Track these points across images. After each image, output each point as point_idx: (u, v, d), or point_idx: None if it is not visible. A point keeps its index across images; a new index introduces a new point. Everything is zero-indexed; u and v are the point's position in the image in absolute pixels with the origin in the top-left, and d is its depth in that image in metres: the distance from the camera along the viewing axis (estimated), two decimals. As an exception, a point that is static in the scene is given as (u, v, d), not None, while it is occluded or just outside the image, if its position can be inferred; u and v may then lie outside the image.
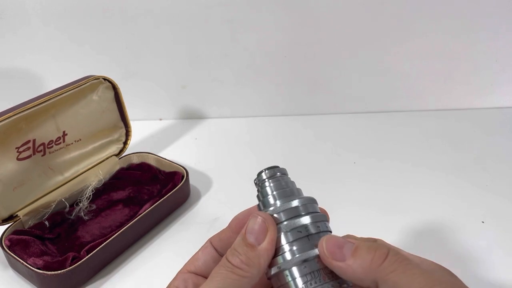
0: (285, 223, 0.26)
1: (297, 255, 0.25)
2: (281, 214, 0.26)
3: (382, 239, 0.27)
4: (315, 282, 0.24)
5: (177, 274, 0.30)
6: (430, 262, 0.26)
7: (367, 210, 0.53)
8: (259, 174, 0.29)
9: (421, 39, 0.68)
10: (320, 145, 0.67)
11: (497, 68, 0.70)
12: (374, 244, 0.24)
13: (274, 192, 0.28)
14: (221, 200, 0.56)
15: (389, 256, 0.23)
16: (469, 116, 0.72)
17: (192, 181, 0.57)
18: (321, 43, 0.69)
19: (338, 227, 0.30)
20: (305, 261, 0.25)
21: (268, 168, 0.29)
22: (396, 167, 0.61)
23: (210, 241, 0.30)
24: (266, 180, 0.29)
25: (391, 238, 0.48)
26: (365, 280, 0.23)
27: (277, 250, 0.26)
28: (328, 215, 0.30)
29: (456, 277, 0.24)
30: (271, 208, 0.27)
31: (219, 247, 0.30)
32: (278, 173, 0.29)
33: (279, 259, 0.25)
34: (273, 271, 0.26)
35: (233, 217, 0.30)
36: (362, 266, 0.23)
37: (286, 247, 0.25)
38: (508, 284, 0.42)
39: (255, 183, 0.30)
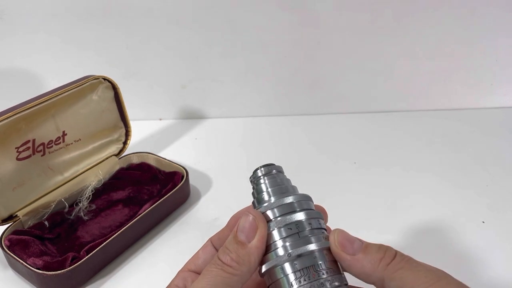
0: (278, 219, 0.26)
1: (290, 251, 0.25)
2: (275, 210, 0.27)
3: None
4: (305, 280, 0.24)
5: (178, 273, 0.30)
6: (427, 264, 0.26)
7: (367, 210, 0.53)
8: (255, 171, 0.30)
9: (421, 39, 0.68)
10: (320, 145, 0.67)
11: (497, 68, 0.70)
12: (383, 245, 0.25)
13: (269, 189, 0.28)
14: (221, 200, 0.56)
15: (397, 256, 0.24)
16: (469, 116, 0.72)
17: (192, 181, 0.57)
18: (321, 43, 0.69)
19: (338, 227, 0.30)
20: (298, 257, 0.25)
21: (264, 166, 0.29)
22: (396, 167, 0.61)
23: (211, 240, 0.31)
24: (262, 177, 0.29)
25: (391, 238, 0.48)
26: (372, 277, 0.24)
27: (270, 246, 0.26)
28: (326, 212, 0.30)
29: (452, 277, 0.25)
30: (265, 205, 0.27)
31: (218, 246, 0.30)
32: (274, 171, 0.29)
33: (272, 255, 0.25)
34: (265, 267, 0.26)
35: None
36: (372, 262, 0.24)
37: (278, 243, 0.26)
38: (508, 284, 0.42)
39: (251, 181, 0.30)
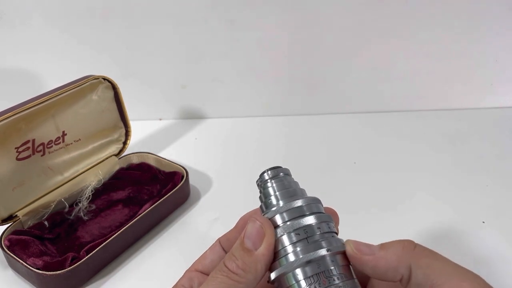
0: (287, 224, 0.25)
1: (300, 257, 0.24)
2: (284, 214, 0.26)
3: None
4: (315, 287, 0.24)
5: (185, 273, 0.29)
6: None
7: (367, 210, 0.53)
8: (262, 174, 0.29)
9: (421, 39, 0.68)
10: (320, 145, 0.67)
11: (497, 68, 0.70)
12: (399, 239, 0.25)
13: (277, 193, 0.27)
14: (221, 200, 0.56)
15: (418, 245, 0.24)
16: (469, 116, 0.72)
17: (192, 181, 0.57)
18: (321, 43, 0.69)
19: (338, 227, 0.30)
20: (308, 263, 0.24)
21: (271, 169, 0.28)
22: (396, 167, 0.61)
23: (219, 240, 0.30)
24: (269, 180, 0.28)
25: (391, 238, 0.48)
26: (399, 268, 0.24)
27: (279, 252, 0.25)
28: (337, 215, 0.29)
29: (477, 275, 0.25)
30: (273, 209, 0.26)
31: (226, 247, 0.30)
32: (281, 174, 0.28)
33: (282, 261, 0.25)
34: (275, 274, 0.25)
35: (232, 217, 0.30)
36: (396, 254, 0.24)
37: (288, 249, 0.25)
38: (508, 284, 0.42)
39: (258, 184, 0.29)
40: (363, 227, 0.49)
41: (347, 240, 0.26)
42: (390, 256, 0.24)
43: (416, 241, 0.25)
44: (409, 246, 0.24)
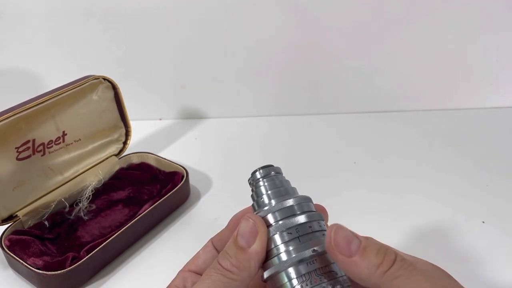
0: (279, 223, 0.26)
1: (292, 256, 0.25)
2: (276, 214, 0.26)
3: (372, 237, 0.27)
4: (307, 285, 0.24)
5: (178, 273, 0.30)
6: (425, 262, 0.26)
7: (366, 210, 0.53)
8: (253, 173, 0.29)
9: (421, 39, 0.68)
10: (320, 145, 0.67)
11: (497, 68, 0.70)
12: (382, 246, 0.24)
13: (269, 192, 0.28)
14: (221, 200, 0.56)
15: (396, 262, 0.23)
16: (469, 116, 0.72)
17: (192, 181, 0.57)
18: (321, 43, 0.69)
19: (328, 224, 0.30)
20: (300, 262, 0.25)
21: (262, 167, 0.29)
22: (396, 167, 0.61)
23: (212, 240, 0.31)
24: (260, 179, 0.28)
25: (391, 238, 0.48)
26: (368, 282, 0.23)
27: (271, 251, 0.26)
28: (326, 211, 0.30)
29: (452, 278, 0.25)
30: (265, 208, 0.27)
31: (218, 247, 0.30)
32: (273, 172, 0.29)
33: (275, 260, 0.25)
34: (268, 273, 0.25)
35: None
36: (369, 267, 0.23)
37: (280, 248, 0.25)
38: (508, 284, 0.42)
39: (249, 183, 0.29)
40: (363, 227, 0.49)
41: (332, 225, 0.24)
42: (363, 267, 0.23)
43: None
44: (385, 264, 0.23)
